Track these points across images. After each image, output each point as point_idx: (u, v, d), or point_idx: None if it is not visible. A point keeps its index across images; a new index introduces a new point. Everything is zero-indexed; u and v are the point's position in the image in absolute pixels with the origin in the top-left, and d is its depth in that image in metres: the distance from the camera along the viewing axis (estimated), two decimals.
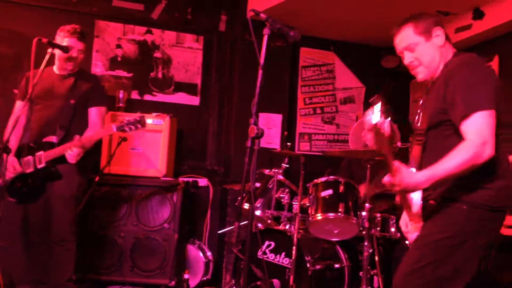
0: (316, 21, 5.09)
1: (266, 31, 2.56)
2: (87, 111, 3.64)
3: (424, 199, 2.23)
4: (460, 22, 4.72)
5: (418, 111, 2.39)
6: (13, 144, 3.51)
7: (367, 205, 3.62)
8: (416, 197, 2.27)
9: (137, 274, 4.28)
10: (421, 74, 2.35)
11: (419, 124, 2.34)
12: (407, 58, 2.35)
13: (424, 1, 4.42)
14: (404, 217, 2.42)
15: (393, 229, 3.81)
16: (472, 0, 4.38)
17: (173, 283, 4.27)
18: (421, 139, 2.30)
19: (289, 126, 5.41)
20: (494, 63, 4.70)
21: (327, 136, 5.69)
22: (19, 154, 3.52)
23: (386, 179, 2.05)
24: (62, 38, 3.55)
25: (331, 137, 5.70)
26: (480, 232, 2.10)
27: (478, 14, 4.47)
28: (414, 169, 2.24)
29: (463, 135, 2.05)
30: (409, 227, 2.36)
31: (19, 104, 3.68)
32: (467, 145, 2.00)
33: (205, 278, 4.63)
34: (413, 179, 2.02)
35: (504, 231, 3.69)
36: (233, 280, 3.94)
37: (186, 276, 4.30)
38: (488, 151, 2.00)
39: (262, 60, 2.54)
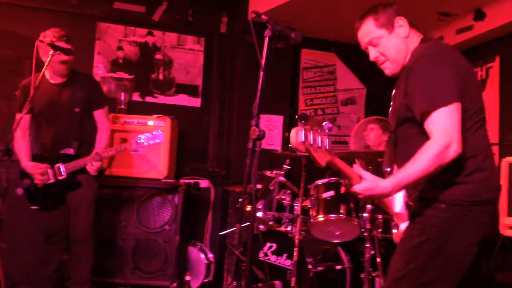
0: (317, 23, 5.09)
1: (267, 33, 2.56)
2: (91, 114, 3.73)
3: (406, 199, 2.18)
4: (461, 23, 4.72)
5: (391, 104, 2.27)
6: (28, 154, 3.65)
7: (368, 206, 3.61)
8: (398, 196, 2.21)
9: (138, 276, 4.29)
10: (388, 69, 2.22)
11: (391, 121, 2.24)
12: (372, 54, 2.24)
13: (425, 2, 4.43)
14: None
15: (395, 231, 3.80)
16: (473, 1, 4.38)
17: (174, 285, 4.28)
18: (392, 138, 2.21)
19: (290, 128, 5.39)
20: (495, 64, 4.71)
21: (328, 137, 5.67)
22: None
23: (350, 188, 1.95)
24: (50, 43, 3.46)
25: (332, 138, 5.70)
26: (463, 231, 1.97)
27: (479, 15, 4.47)
28: (388, 168, 2.19)
29: (427, 134, 1.94)
30: (398, 228, 2.31)
31: (20, 116, 3.50)
32: (430, 146, 1.88)
33: (206, 280, 4.62)
34: (379, 188, 1.91)
35: (505, 232, 3.69)
36: (234, 282, 3.94)
37: (187, 278, 4.30)
38: (454, 150, 1.87)
39: (263, 62, 2.54)
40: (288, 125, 5.32)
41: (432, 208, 2.01)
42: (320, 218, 3.66)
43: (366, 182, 1.91)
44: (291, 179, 4.12)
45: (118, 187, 4.36)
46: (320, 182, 3.81)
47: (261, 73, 2.52)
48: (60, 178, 3.54)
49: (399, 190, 1.97)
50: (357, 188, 1.92)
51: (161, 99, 5.18)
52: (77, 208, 3.61)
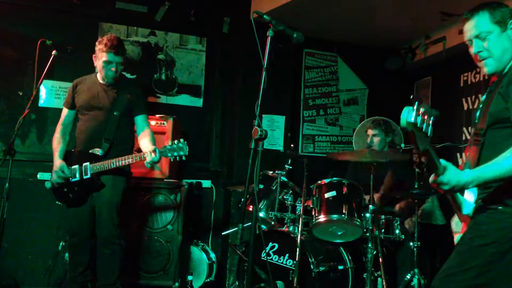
0: (319, 23, 5.09)
1: (269, 33, 2.56)
2: (130, 119, 3.73)
3: (476, 200, 2.14)
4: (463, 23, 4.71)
5: (480, 106, 2.23)
6: (59, 150, 3.69)
7: (371, 206, 3.61)
8: (469, 198, 2.18)
9: (140, 276, 4.29)
10: (489, 67, 2.16)
11: (477, 123, 2.20)
12: (477, 47, 2.15)
13: (429, 2, 4.43)
14: (455, 218, 2.34)
15: (397, 231, 3.80)
16: (477, 1, 4.37)
17: (176, 284, 4.28)
18: (478, 139, 2.15)
19: (292, 128, 5.40)
20: None
21: (330, 137, 5.68)
22: (65, 160, 3.67)
23: (432, 179, 1.95)
24: (100, 52, 3.61)
25: (334, 138, 5.69)
26: None
27: None
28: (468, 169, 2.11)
29: None
30: (458, 228, 2.28)
31: (64, 111, 3.81)
32: None
33: (208, 280, 4.62)
34: (463, 180, 1.92)
35: None
36: (236, 282, 3.94)
37: (189, 277, 4.30)
38: None
39: (265, 62, 2.54)
40: (290, 126, 5.32)
41: (500, 213, 2.01)
42: (322, 218, 3.66)
43: (451, 174, 1.91)
44: (293, 179, 4.12)
45: None
46: (322, 182, 3.81)
47: (263, 73, 2.52)
48: (85, 177, 3.55)
49: (479, 183, 1.96)
50: (444, 179, 1.92)
51: (163, 99, 5.19)
52: (101, 210, 3.60)
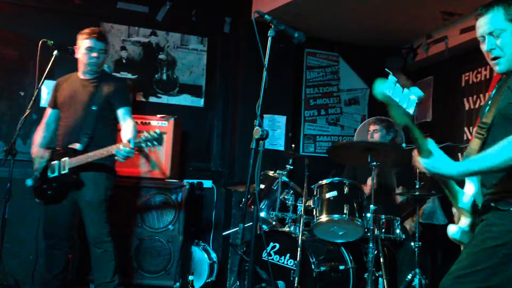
0: (320, 23, 5.09)
1: (270, 33, 2.56)
2: (111, 114, 3.64)
3: (484, 198, 2.11)
4: (465, 23, 4.71)
5: (489, 102, 2.19)
6: (38, 143, 3.68)
7: (371, 206, 3.61)
8: (467, 191, 2.17)
9: (141, 276, 4.29)
10: (501, 66, 2.11)
11: (484, 118, 2.17)
12: (490, 44, 2.09)
13: (430, 2, 4.42)
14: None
15: (398, 231, 3.80)
16: (478, 1, 4.36)
17: (177, 284, 4.28)
18: (481, 133, 2.13)
19: (293, 128, 5.40)
20: None
21: (331, 137, 5.68)
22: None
23: (415, 158, 1.92)
24: (82, 41, 3.58)
25: (335, 138, 5.69)
26: None
27: None
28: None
29: None
30: (456, 217, 2.26)
31: (48, 111, 3.80)
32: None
33: (209, 280, 4.62)
34: (445, 169, 1.90)
35: None
36: (237, 282, 3.94)
37: (190, 277, 4.30)
38: None
39: (266, 62, 2.54)
40: (291, 126, 5.32)
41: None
42: (323, 218, 3.66)
43: (434, 160, 1.89)
44: (294, 179, 4.12)
45: (122, 186, 4.35)
46: (323, 182, 3.81)
47: (265, 73, 2.52)
48: (62, 172, 3.49)
49: (465, 175, 1.95)
50: (423, 163, 1.90)
51: (164, 99, 5.19)
52: (86, 211, 3.55)
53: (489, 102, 2.19)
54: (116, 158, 3.40)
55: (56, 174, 3.52)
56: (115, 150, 3.34)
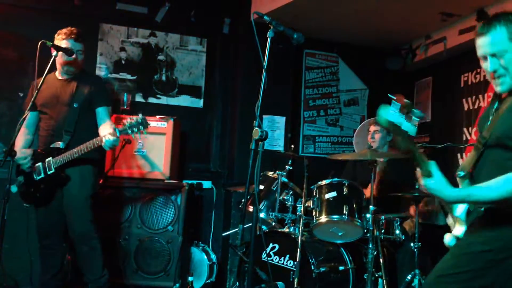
0: (319, 24, 5.09)
1: (269, 34, 2.56)
2: (91, 112, 3.66)
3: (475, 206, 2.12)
4: (464, 24, 4.72)
5: (491, 118, 2.13)
6: (19, 146, 3.63)
7: (371, 207, 3.61)
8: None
9: (141, 277, 4.29)
10: (504, 86, 2.05)
11: (484, 131, 2.13)
12: (493, 65, 2.03)
13: (428, 2, 4.43)
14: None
15: (397, 232, 3.80)
16: (476, 2, 4.37)
17: (177, 285, 4.27)
18: (479, 148, 2.10)
19: (293, 128, 5.40)
20: None
21: (331, 138, 5.68)
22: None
23: (421, 182, 1.94)
24: (60, 41, 3.59)
25: (335, 139, 5.69)
26: None
27: (482, 16, 4.45)
28: (462, 173, 2.12)
29: None
30: (452, 225, 2.27)
31: (26, 114, 3.62)
32: None
33: (209, 281, 4.62)
34: (443, 194, 1.92)
35: None
36: (237, 283, 3.94)
37: (190, 278, 4.29)
38: None
39: (265, 63, 2.54)
40: (291, 126, 5.32)
41: (502, 221, 1.99)
42: (323, 218, 3.66)
43: (434, 182, 1.92)
44: (293, 179, 4.12)
45: (121, 187, 4.37)
46: (322, 182, 3.81)
47: (264, 74, 2.52)
48: (49, 172, 3.49)
49: (459, 202, 1.99)
50: (424, 183, 1.93)
51: (163, 100, 5.19)
52: (72, 205, 3.53)
53: (491, 117, 2.14)
54: (102, 145, 3.38)
55: (42, 175, 3.52)
56: (99, 141, 3.34)
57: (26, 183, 3.57)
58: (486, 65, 2.07)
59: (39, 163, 3.54)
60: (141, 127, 3.29)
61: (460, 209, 2.21)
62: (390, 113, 1.75)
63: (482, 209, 2.06)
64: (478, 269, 1.98)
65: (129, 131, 3.29)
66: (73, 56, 3.56)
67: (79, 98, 3.60)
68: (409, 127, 1.81)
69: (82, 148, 3.39)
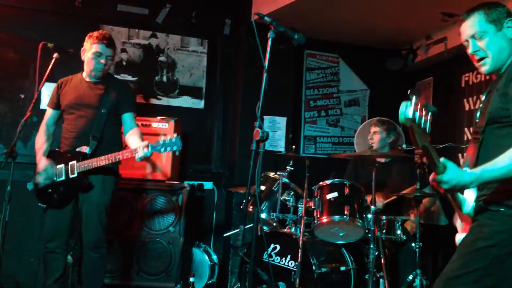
0: (320, 24, 5.09)
1: (270, 35, 2.56)
2: (117, 117, 3.61)
3: (477, 199, 2.12)
4: None
5: (481, 106, 2.22)
6: (44, 149, 3.57)
7: (373, 207, 3.61)
8: (468, 197, 2.17)
9: (142, 278, 4.29)
10: (486, 67, 2.17)
11: (477, 122, 2.20)
12: (473, 47, 2.17)
13: (429, 3, 4.43)
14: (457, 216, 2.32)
15: (398, 232, 3.80)
16: (477, 2, 4.37)
17: (178, 286, 4.28)
18: (477, 137, 2.15)
19: (294, 129, 5.41)
20: None
21: (332, 138, 5.68)
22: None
23: (432, 178, 1.93)
24: (91, 45, 3.52)
25: (336, 139, 5.69)
26: None
27: None
28: (468, 168, 2.09)
29: None
30: (460, 228, 2.26)
31: (48, 111, 3.69)
32: None
33: (210, 282, 4.62)
34: (464, 180, 1.91)
35: None
36: (238, 283, 3.94)
37: (191, 279, 4.30)
38: None
39: (266, 63, 2.55)
40: (292, 127, 5.32)
41: (502, 215, 1.99)
42: (324, 219, 3.66)
43: (451, 173, 1.90)
44: (294, 180, 4.12)
45: (123, 189, 4.35)
46: (324, 183, 3.81)
47: (264, 75, 2.53)
48: (71, 176, 3.43)
49: (481, 183, 1.96)
50: (442, 177, 1.91)
51: (164, 101, 5.20)
52: (89, 213, 3.48)
53: (481, 106, 2.22)
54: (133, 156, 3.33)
55: (63, 178, 3.46)
56: (129, 153, 3.30)
57: (47, 183, 3.51)
58: (468, 50, 2.19)
59: (62, 165, 3.47)
60: (174, 147, 3.25)
61: (469, 204, 2.19)
62: (408, 109, 1.74)
63: (484, 204, 2.06)
64: (486, 267, 1.97)
65: (162, 149, 3.25)
66: (102, 61, 3.51)
67: (107, 104, 3.54)
68: (426, 123, 1.80)
69: (111, 158, 3.35)
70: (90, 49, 3.51)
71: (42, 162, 3.51)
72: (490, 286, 1.97)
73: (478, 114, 2.22)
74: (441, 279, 2.08)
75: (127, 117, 3.62)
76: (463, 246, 2.11)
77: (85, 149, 3.45)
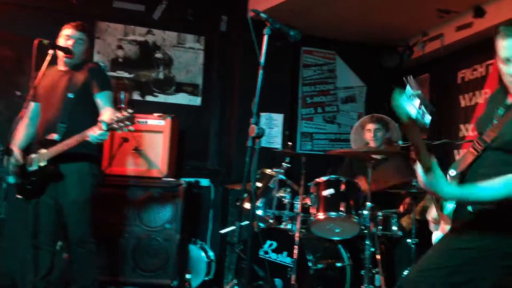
0: (316, 21, 5.09)
1: (266, 31, 2.56)
2: (89, 100, 3.46)
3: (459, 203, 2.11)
4: (461, 21, 4.72)
5: (494, 121, 2.09)
6: (18, 139, 3.52)
7: (368, 203, 3.62)
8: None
9: (139, 275, 4.29)
10: None
11: (485, 134, 2.09)
12: None
13: None
14: (432, 211, 2.34)
15: (394, 228, 3.81)
16: (473, 0, 4.38)
17: (175, 283, 4.28)
18: (477, 150, 2.08)
19: (290, 126, 5.41)
20: (495, 61, 4.70)
21: (328, 135, 5.69)
22: (28, 153, 3.49)
23: (420, 178, 1.92)
24: (61, 31, 3.52)
25: (332, 136, 5.70)
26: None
27: (479, 12, 4.46)
28: (454, 171, 2.10)
29: None
30: (435, 224, 2.28)
31: (30, 105, 3.57)
32: None
33: (207, 278, 4.63)
34: (442, 192, 1.91)
35: None
36: (235, 280, 3.95)
37: (188, 276, 4.31)
38: None
39: (262, 60, 2.55)
40: (288, 124, 5.32)
41: (488, 220, 1.98)
42: (320, 215, 3.67)
43: (433, 180, 1.89)
44: (291, 177, 4.12)
45: (119, 185, 4.36)
46: (320, 180, 3.82)
47: (261, 71, 2.53)
48: (41, 164, 3.35)
49: (458, 200, 2.00)
50: (423, 180, 1.90)
51: (161, 98, 5.19)
52: (70, 211, 3.40)
53: (494, 120, 2.10)
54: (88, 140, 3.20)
55: (35, 167, 3.39)
56: (89, 134, 3.16)
57: (20, 174, 3.46)
58: (507, 69, 2.04)
59: (34, 155, 3.41)
60: (127, 123, 3.09)
61: (449, 206, 2.20)
62: (406, 103, 1.71)
63: (470, 208, 2.04)
64: (458, 265, 1.98)
65: (116, 126, 3.09)
66: (70, 42, 3.45)
67: (73, 87, 3.44)
68: (425, 119, 1.78)
69: (73, 140, 3.23)
70: (61, 34, 3.50)
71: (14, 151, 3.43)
72: (459, 283, 1.98)
73: (488, 125, 2.10)
74: (413, 270, 2.13)
75: (99, 97, 3.46)
76: (441, 243, 2.14)
77: (54, 136, 3.35)
